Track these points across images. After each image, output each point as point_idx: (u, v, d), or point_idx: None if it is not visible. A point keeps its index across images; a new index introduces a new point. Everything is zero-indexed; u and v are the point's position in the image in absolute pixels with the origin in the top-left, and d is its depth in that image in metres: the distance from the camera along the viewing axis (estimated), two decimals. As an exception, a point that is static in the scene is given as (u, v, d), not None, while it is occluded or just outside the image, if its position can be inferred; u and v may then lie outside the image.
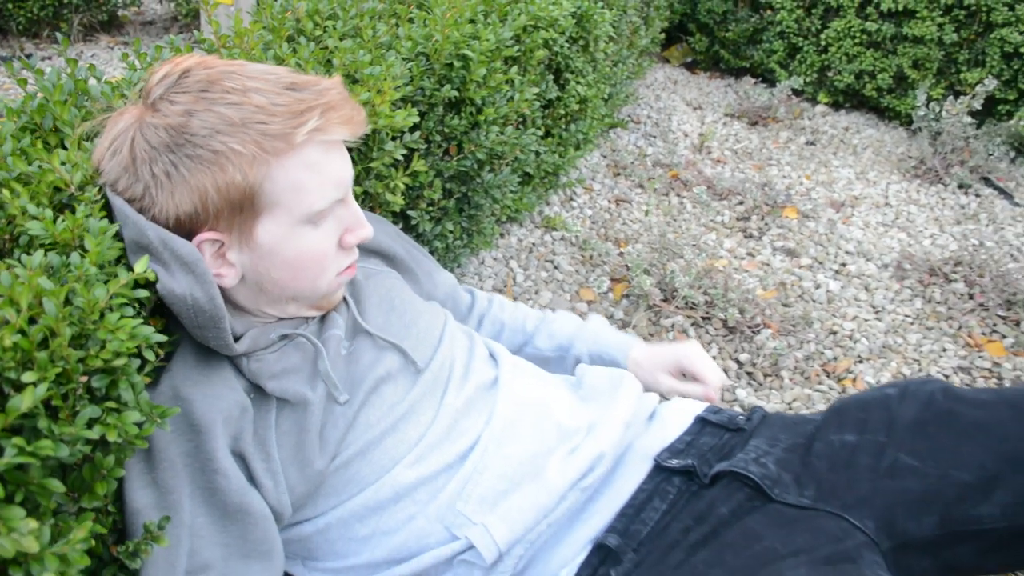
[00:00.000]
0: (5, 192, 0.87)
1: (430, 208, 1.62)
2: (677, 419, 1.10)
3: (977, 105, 2.96)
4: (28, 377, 0.69)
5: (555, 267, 2.07)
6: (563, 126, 2.15)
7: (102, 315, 0.77)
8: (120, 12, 3.88)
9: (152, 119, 0.89)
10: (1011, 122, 3.03)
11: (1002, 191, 2.91)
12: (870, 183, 2.85)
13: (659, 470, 1.02)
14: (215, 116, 0.88)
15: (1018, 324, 2.06)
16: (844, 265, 2.26)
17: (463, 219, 1.76)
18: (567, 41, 1.94)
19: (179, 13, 3.83)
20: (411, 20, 1.58)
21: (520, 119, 1.82)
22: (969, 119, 2.99)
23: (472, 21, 1.63)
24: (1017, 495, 0.86)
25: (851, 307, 2.07)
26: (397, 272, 1.20)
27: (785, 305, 2.02)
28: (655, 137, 2.98)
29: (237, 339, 0.94)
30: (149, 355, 0.80)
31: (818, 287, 2.13)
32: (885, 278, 2.23)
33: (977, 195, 2.86)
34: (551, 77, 1.96)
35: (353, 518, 0.97)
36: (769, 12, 3.53)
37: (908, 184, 2.88)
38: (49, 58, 3.51)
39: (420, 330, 1.07)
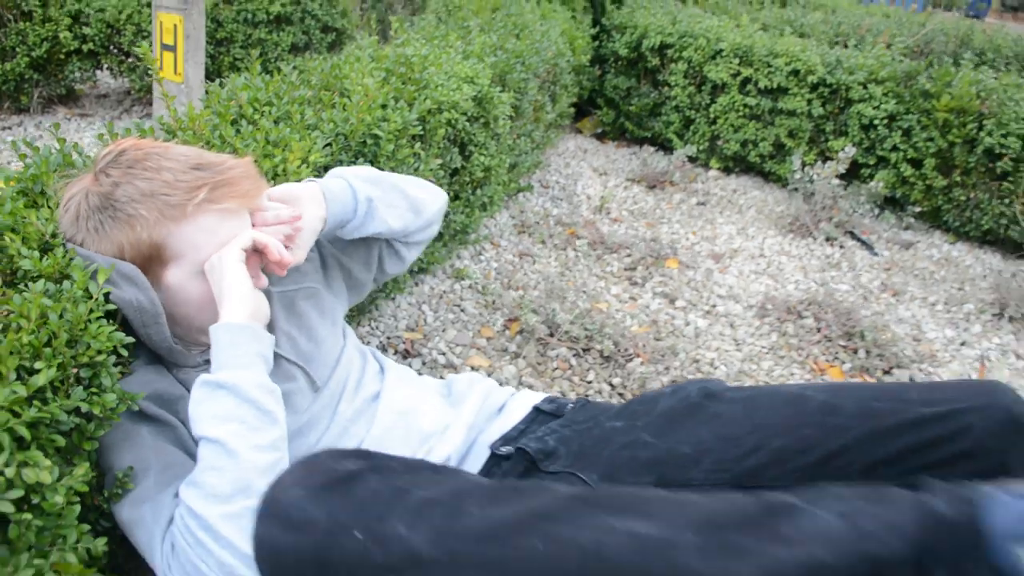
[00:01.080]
0: (6, 238, 1.19)
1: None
2: (518, 410, 1.42)
3: (842, 169, 3.41)
4: (39, 365, 1.01)
5: (461, 310, 2.41)
6: (470, 191, 2.51)
7: (86, 325, 1.09)
8: (77, 86, 4.19)
9: (93, 187, 1.19)
10: (871, 184, 3.48)
11: (864, 243, 3.34)
12: (749, 237, 3.26)
13: (493, 457, 1.33)
14: (133, 188, 1.16)
15: (856, 352, 2.45)
16: (714, 306, 2.64)
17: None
18: (468, 120, 2.31)
19: (132, 88, 4.14)
20: (333, 106, 1.94)
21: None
22: (837, 181, 3.43)
23: (384, 106, 1.98)
24: (718, 463, 1.18)
25: (715, 340, 2.44)
26: (318, 266, 1.49)
27: (657, 339, 2.38)
28: (561, 200, 3.37)
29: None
30: (123, 352, 1.12)
31: (688, 324, 2.50)
32: (749, 316, 2.61)
33: (841, 247, 3.28)
34: (456, 150, 2.32)
35: None
36: (666, 88, 3.98)
37: (783, 238, 3.29)
38: (10, 128, 3.80)
39: (322, 354, 1.36)
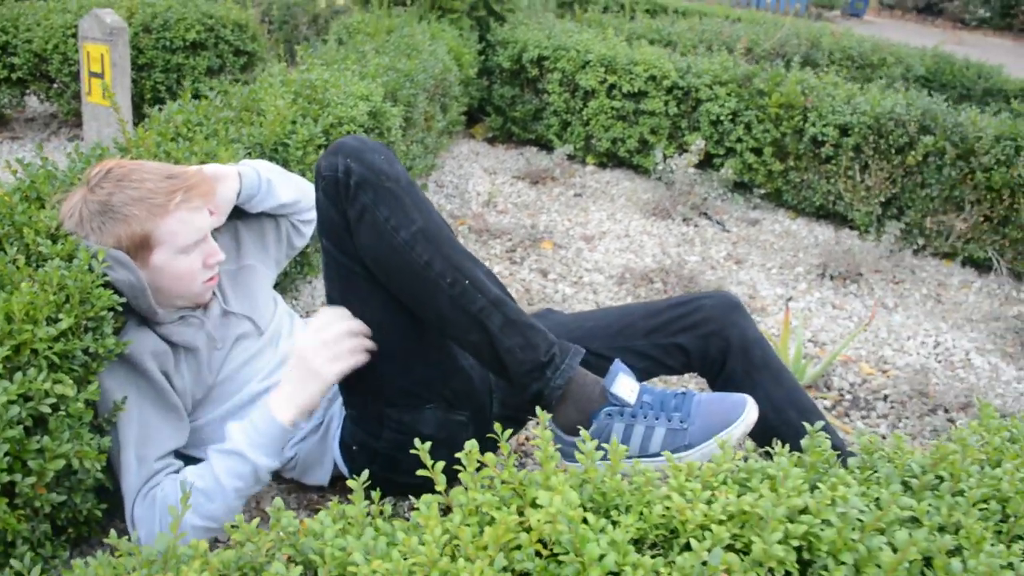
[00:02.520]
0: (24, 231, 1.63)
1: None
2: None
3: (696, 159, 3.99)
4: (62, 316, 1.46)
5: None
6: (372, 189, 2.98)
7: (92, 290, 1.53)
8: (6, 111, 4.52)
9: (90, 196, 1.62)
10: (722, 171, 4.07)
11: (716, 222, 3.92)
12: (617, 221, 3.81)
13: None
14: (125, 195, 1.60)
15: (695, 309, 3.01)
16: (581, 278, 3.17)
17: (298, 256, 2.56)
18: (365, 131, 2.79)
19: (60, 111, 4.49)
20: (251, 123, 2.39)
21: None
22: (693, 170, 4.01)
23: (293, 122, 2.45)
24: None
25: (580, 304, 2.96)
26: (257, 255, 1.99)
27: (529, 304, 2.89)
28: (454, 196, 3.87)
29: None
30: (118, 309, 1.57)
31: (557, 292, 3.02)
32: (610, 284, 3.14)
33: (696, 225, 3.85)
34: (357, 155, 2.79)
35: (231, 409, 1.75)
36: (545, 95, 4.51)
37: (646, 221, 3.85)
38: (-55, 154, 4.12)
39: (261, 308, 1.87)
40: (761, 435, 1.72)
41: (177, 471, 1.64)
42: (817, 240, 3.88)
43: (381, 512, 1.13)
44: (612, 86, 4.27)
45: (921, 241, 3.80)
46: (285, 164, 2.34)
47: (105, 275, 1.57)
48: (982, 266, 3.76)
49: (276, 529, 1.05)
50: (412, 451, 1.17)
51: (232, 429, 1.63)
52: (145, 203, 1.60)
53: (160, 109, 2.37)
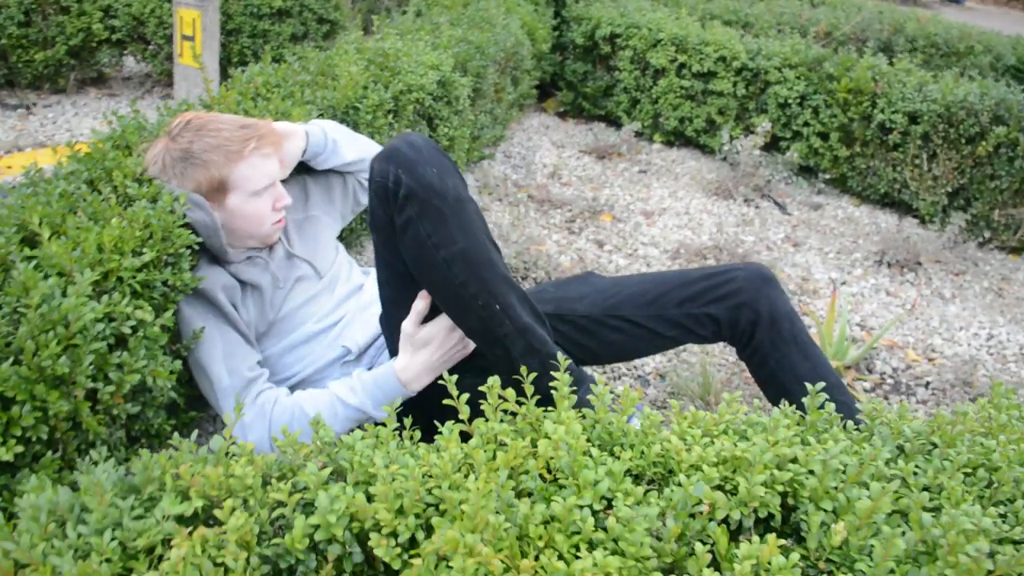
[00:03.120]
0: (114, 175, 1.81)
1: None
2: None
3: (762, 141, 4.02)
4: (146, 250, 1.62)
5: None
6: (438, 156, 3.12)
7: (172, 228, 1.70)
8: (106, 70, 4.78)
9: (172, 145, 1.78)
10: (788, 154, 4.09)
11: (777, 204, 3.95)
12: (678, 199, 3.88)
13: None
14: (204, 143, 1.76)
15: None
16: (636, 251, 3.26)
17: (364, 213, 2.72)
18: (434, 99, 2.92)
19: (153, 72, 4.74)
20: (325, 87, 2.54)
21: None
22: (759, 152, 4.04)
23: (365, 87, 2.59)
24: (592, 303, 1.86)
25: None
26: (323, 207, 2.15)
27: (582, 271, 2.99)
28: (520, 167, 3.99)
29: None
30: (195, 246, 1.74)
31: (611, 263, 3.12)
32: (664, 258, 3.23)
33: (757, 207, 3.90)
34: (424, 122, 2.93)
35: (288, 346, 1.91)
36: (616, 72, 4.58)
37: (707, 200, 3.91)
38: (49, 106, 4.40)
39: (321, 254, 2.03)
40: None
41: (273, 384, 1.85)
42: (879, 227, 3.88)
43: (411, 437, 1.26)
44: (682, 65, 4.32)
45: (988, 234, 3.77)
46: (355, 127, 2.49)
47: (185, 216, 1.74)
48: (1050, 261, 3.73)
49: (315, 440, 1.19)
50: (446, 400, 1.30)
51: (359, 382, 1.79)
52: (222, 150, 1.76)
53: (243, 71, 2.54)
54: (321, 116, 2.38)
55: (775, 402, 1.92)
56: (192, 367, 1.79)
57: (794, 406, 1.35)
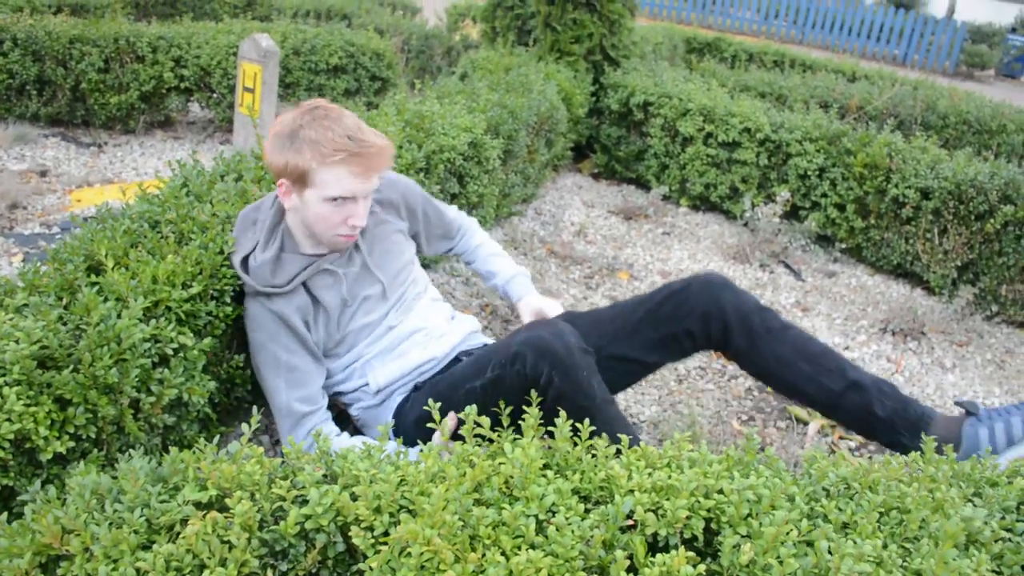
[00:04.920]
0: (175, 216, 2.08)
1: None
2: (475, 338, 2.28)
3: (782, 210, 4.22)
4: (195, 283, 1.89)
5: (453, 296, 3.27)
6: (467, 211, 3.37)
7: (220, 267, 1.96)
8: (173, 115, 5.17)
9: (292, 121, 1.89)
10: (806, 223, 4.28)
11: (792, 270, 4.14)
12: (697, 261, 4.08)
13: (454, 359, 2.20)
14: (309, 134, 1.85)
15: (747, 346, 3.25)
16: (647, 307, 3.47)
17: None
18: (464, 159, 3.18)
19: (216, 118, 5.11)
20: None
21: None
22: (778, 219, 4.24)
23: (400, 147, 2.87)
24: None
25: (641, 331, 3.26)
26: (406, 222, 2.28)
27: (594, 325, 3.21)
28: (549, 224, 4.24)
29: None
30: (237, 285, 2.00)
31: (621, 317, 3.32)
32: (673, 317, 3.43)
33: (771, 272, 4.08)
34: (455, 180, 3.19)
35: (342, 364, 2.12)
36: (648, 138, 4.83)
37: (724, 263, 4.11)
38: (118, 145, 4.77)
39: (395, 274, 2.17)
40: (787, 390, 2.04)
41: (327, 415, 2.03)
42: (889, 297, 4.04)
43: (399, 454, 1.49)
44: (709, 135, 4.55)
45: (995, 308, 3.90)
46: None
47: (228, 257, 2.00)
48: (1057, 339, 3.84)
49: (319, 451, 1.42)
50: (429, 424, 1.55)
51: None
52: (316, 147, 1.85)
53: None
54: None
55: (778, 390, 2.13)
56: (255, 370, 2.01)
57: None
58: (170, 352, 1.78)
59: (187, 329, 1.83)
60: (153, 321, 1.75)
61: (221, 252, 2.01)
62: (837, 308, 3.84)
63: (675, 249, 4.20)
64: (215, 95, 4.98)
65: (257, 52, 4.27)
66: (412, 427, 2.07)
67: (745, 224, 4.42)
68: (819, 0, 19.16)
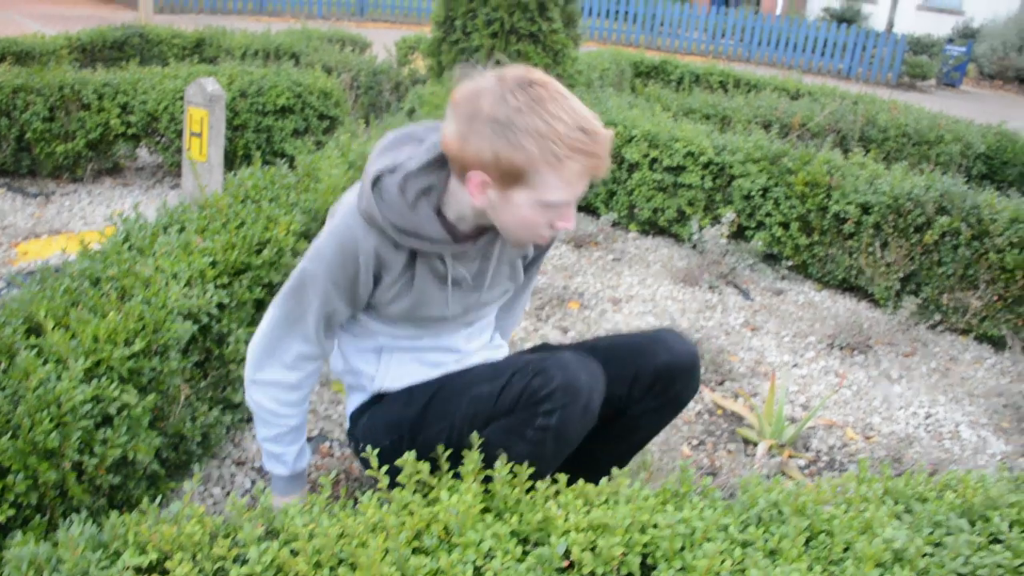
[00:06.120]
0: (117, 272, 2.09)
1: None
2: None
3: (728, 231, 4.31)
4: (138, 340, 1.90)
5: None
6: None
7: (165, 321, 1.98)
8: (121, 161, 5.16)
9: (497, 99, 1.47)
10: (752, 243, 4.37)
11: (741, 290, 4.21)
12: (647, 286, 4.15)
13: None
14: (532, 123, 1.46)
15: (703, 370, 3.30)
16: (597, 335, 3.52)
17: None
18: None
19: (165, 163, 5.10)
20: (307, 190, 2.85)
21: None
22: (725, 240, 4.32)
23: (344, 188, 2.89)
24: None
25: (592, 359, 3.31)
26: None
27: (545, 356, 3.25)
28: (500, 254, 4.28)
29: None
30: (183, 340, 2.01)
31: (572, 347, 3.37)
32: (624, 343, 3.48)
33: (720, 293, 4.16)
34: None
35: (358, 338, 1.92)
36: (595, 165, 4.91)
37: (674, 287, 4.18)
38: (66, 195, 4.75)
39: (493, 299, 1.92)
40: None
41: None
42: (837, 312, 4.13)
43: (345, 504, 1.51)
44: (654, 160, 4.63)
45: (938, 317, 4.01)
46: (332, 226, 2.78)
47: (176, 312, 2.01)
48: (998, 343, 3.94)
49: (261, 507, 1.44)
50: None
51: (282, 464, 1.93)
52: (545, 142, 1.48)
53: (244, 169, 2.85)
54: (305, 219, 2.68)
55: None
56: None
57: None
58: (113, 411, 1.79)
59: (130, 386, 1.84)
60: (95, 381, 1.76)
61: (164, 306, 2.02)
62: (785, 326, 3.92)
63: (625, 275, 4.26)
64: (163, 140, 4.97)
65: (203, 97, 4.28)
66: (382, 429, 1.92)
67: (694, 247, 4.50)
68: (764, 18, 19.55)
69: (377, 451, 1.63)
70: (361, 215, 1.66)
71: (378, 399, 1.95)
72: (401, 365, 1.91)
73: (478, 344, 2.01)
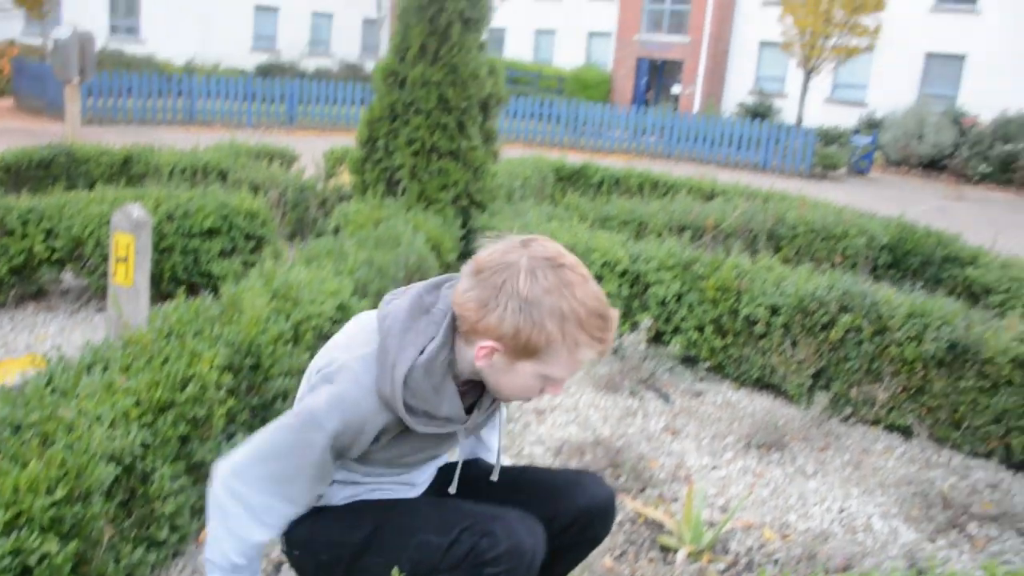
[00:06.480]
0: (37, 416, 2.13)
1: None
2: None
3: (646, 337, 4.48)
4: (60, 488, 1.93)
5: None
6: (341, 368, 3.48)
7: (87, 466, 2.01)
8: (46, 286, 5.15)
9: (529, 276, 1.53)
10: (670, 347, 4.54)
11: (661, 394, 4.36)
12: (570, 395, 4.27)
13: None
14: (557, 305, 1.52)
15: (618, 477, 3.40)
16: (522, 450, 3.61)
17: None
18: (333, 322, 3.31)
19: (91, 287, 5.12)
20: (231, 321, 2.92)
21: (300, 371, 3.14)
22: (644, 346, 4.49)
23: (267, 319, 2.98)
24: None
25: (517, 472, 3.38)
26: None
27: (471, 471, 3.32)
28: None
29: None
30: (107, 483, 2.05)
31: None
32: (548, 456, 3.57)
33: (641, 398, 4.30)
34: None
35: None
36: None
37: (596, 394, 4.31)
38: (-11, 325, 4.72)
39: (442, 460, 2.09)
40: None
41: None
42: (753, 411, 4.30)
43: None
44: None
45: (848, 410, 4.20)
46: (258, 358, 2.85)
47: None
48: (906, 432, 4.14)
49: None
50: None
51: None
52: (568, 328, 1.55)
53: (160, 307, 2.91)
54: (229, 352, 2.74)
55: None
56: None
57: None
58: (33, 562, 1.81)
59: (52, 535, 1.87)
60: (15, 533, 1.79)
61: (87, 450, 2.06)
62: (705, 427, 4.06)
63: (550, 382, 4.37)
64: (89, 264, 5.00)
65: (129, 223, 4.34)
66: (322, 544, 1.91)
67: (615, 353, 4.66)
68: (682, 116, 20.43)
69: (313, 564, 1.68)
70: (378, 397, 1.65)
71: (318, 509, 1.93)
72: (352, 489, 1.94)
73: (431, 473, 2.08)
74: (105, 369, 2.54)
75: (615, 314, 1.64)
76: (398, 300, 1.74)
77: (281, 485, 1.71)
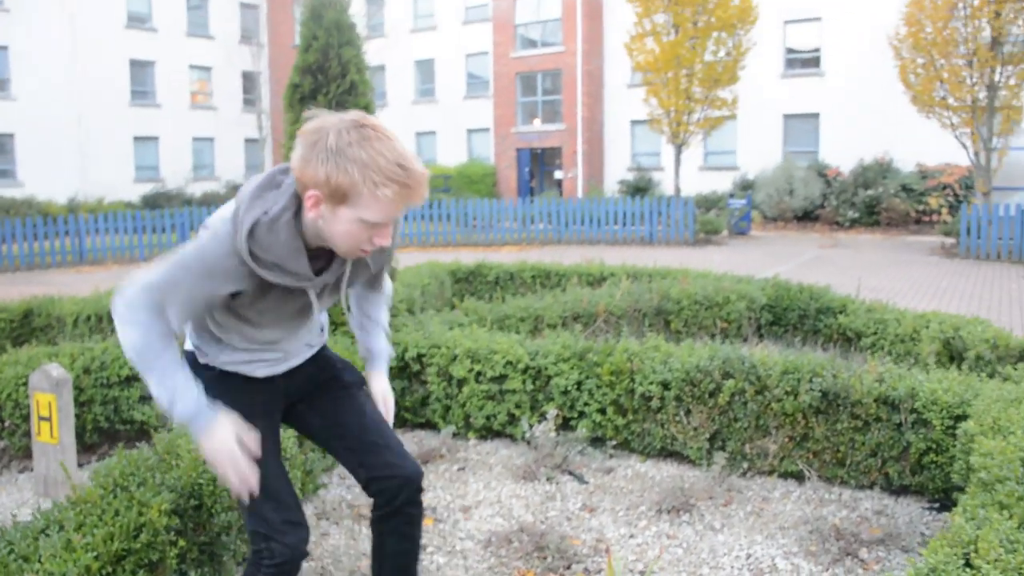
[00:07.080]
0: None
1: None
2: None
3: (555, 424, 4.84)
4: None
5: None
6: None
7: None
8: (-35, 455, 5.20)
9: (338, 135, 1.92)
10: (577, 431, 4.91)
11: (575, 476, 4.71)
12: (492, 489, 4.57)
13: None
14: (359, 154, 1.89)
15: (545, 558, 3.71)
16: (454, 547, 3.88)
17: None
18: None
19: (12, 447, 5.19)
20: (172, 467, 3.15)
21: (241, 503, 3.37)
22: (554, 433, 4.84)
23: (204, 461, 3.22)
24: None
25: (452, 571, 3.65)
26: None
27: (409, 575, 3.58)
28: (354, 486, 4.60)
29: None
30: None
31: (432, 563, 3.71)
32: (478, 549, 3.86)
33: (557, 483, 4.63)
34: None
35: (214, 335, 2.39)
36: (428, 385, 5.40)
37: (516, 485, 4.62)
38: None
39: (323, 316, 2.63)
40: None
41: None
42: (661, 479, 4.68)
43: None
44: (479, 373, 5.17)
45: (745, 465, 4.63)
46: (201, 500, 3.08)
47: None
48: (799, 477, 4.58)
49: None
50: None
51: (191, 398, 2.13)
52: (366, 171, 1.90)
53: (98, 438, 3.12)
54: (173, 498, 2.97)
55: None
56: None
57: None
58: None
59: None
60: None
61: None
62: (619, 501, 4.41)
63: (471, 482, 4.67)
64: (8, 425, 5.08)
65: (49, 382, 4.51)
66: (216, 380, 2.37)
67: (528, 443, 5.00)
68: (568, 202, 21.28)
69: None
70: (232, 248, 2.03)
71: (197, 364, 2.42)
72: (231, 355, 2.40)
73: (301, 343, 2.49)
74: (60, 529, 2.74)
75: (419, 168, 1.98)
76: (254, 177, 2.13)
77: (159, 308, 2.09)
